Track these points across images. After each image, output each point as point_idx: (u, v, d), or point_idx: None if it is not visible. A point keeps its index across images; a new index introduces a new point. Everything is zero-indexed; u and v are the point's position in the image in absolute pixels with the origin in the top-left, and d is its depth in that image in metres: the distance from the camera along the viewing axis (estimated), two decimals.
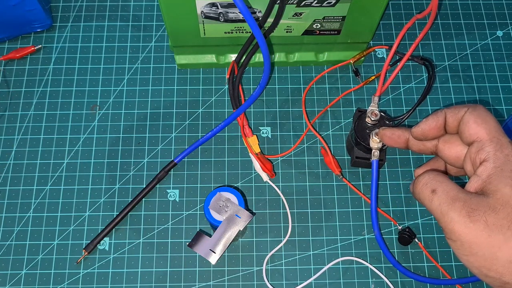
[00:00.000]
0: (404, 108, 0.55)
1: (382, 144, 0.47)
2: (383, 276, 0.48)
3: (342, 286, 0.48)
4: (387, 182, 0.52)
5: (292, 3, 0.46)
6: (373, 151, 0.47)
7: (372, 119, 0.48)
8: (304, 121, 0.54)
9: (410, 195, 0.52)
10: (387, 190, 0.52)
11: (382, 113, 0.48)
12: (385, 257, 0.49)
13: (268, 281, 0.48)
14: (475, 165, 0.33)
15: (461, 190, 0.32)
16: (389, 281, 0.48)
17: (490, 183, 0.31)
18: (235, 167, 0.52)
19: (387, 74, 0.54)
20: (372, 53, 0.58)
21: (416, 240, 0.49)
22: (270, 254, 0.49)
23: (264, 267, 0.48)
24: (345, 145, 0.54)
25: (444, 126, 0.36)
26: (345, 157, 0.53)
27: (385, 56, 0.58)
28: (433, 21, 0.44)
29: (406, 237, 0.49)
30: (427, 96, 0.55)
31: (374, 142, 0.46)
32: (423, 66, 0.56)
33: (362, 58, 0.56)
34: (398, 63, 0.49)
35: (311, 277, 0.48)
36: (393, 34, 0.59)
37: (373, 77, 0.56)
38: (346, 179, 0.52)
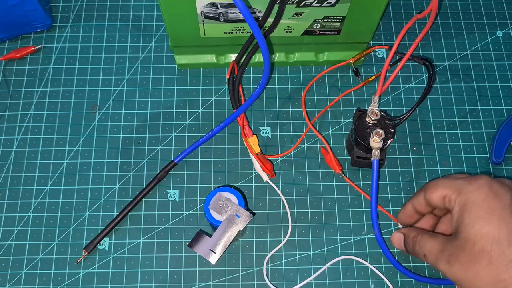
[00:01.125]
0: (404, 108, 0.55)
1: (383, 143, 0.47)
2: (383, 276, 0.48)
3: (342, 286, 0.48)
4: (387, 182, 0.52)
5: (292, 3, 0.46)
6: (373, 150, 0.47)
7: (373, 118, 0.48)
8: (304, 121, 0.54)
9: (410, 195, 0.52)
10: (387, 190, 0.52)
11: (382, 113, 0.48)
12: (385, 257, 0.49)
13: (270, 282, 0.48)
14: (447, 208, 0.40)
15: (441, 242, 0.39)
16: (389, 281, 0.48)
17: (458, 226, 0.37)
18: (235, 167, 0.52)
19: (387, 74, 0.54)
20: (372, 53, 0.58)
21: None
22: (270, 254, 0.49)
23: (264, 267, 0.48)
24: (345, 145, 0.54)
25: (419, 211, 0.43)
26: (345, 157, 0.53)
27: (385, 56, 0.58)
28: (433, 21, 0.44)
29: None
30: (427, 96, 0.55)
31: (375, 142, 0.47)
32: (423, 66, 0.56)
33: (362, 58, 0.56)
34: (398, 63, 0.49)
35: (311, 276, 0.48)
36: (393, 34, 0.59)
37: (373, 77, 0.56)
38: (347, 178, 0.52)
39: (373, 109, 0.48)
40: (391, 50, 0.47)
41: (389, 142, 0.48)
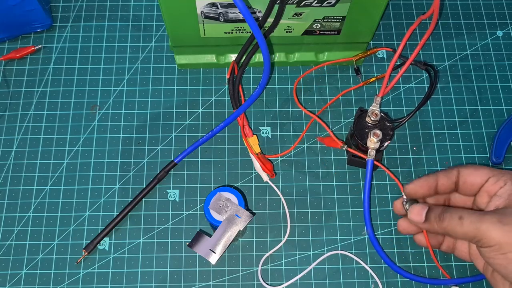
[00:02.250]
0: (404, 108, 0.55)
1: (380, 144, 0.47)
2: (374, 275, 0.48)
3: (342, 286, 0.48)
4: (387, 182, 0.52)
5: (292, 3, 0.46)
6: (369, 150, 0.47)
7: (372, 118, 0.48)
8: (304, 121, 0.54)
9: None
10: (387, 190, 0.52)
11: (382, 114, 0.48)
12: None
13: (264, 281, 0.48)
14: (491, 193, 0.40)
15: (479, 212, 0.38)
16: (390, 281, 0.48)
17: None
18: (235, 167, 0.52)
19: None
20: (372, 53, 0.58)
21: None
22: (267, 254, 0.49)
23: (260, 267, 0.48)
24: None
25: (436, 188, 0.43)
26: (345, 157, 0.53)
27: (385, 56, 0.58)
28: (435, 23, 0.44)
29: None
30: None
31: (371, 142, 0.47)
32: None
33: (362, 58, 0.56)
34: (399, 68, 0.49)
35: (298, 274, 0.48)
36: (393, 34, 0.59)
37: (373, 79, 0.56)
38: (350, 149, 0.50)
39: (374, 110, 0.48)
40: (396, 53, 0.47)
41: (386, 144, 0.48)
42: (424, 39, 0.45)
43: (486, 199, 0.41)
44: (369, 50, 0.56)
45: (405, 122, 0.52)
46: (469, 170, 0.42)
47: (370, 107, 0.48)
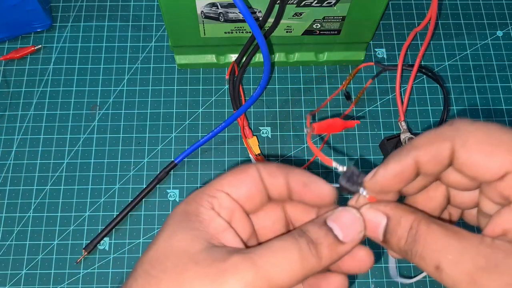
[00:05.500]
0: (417, 108, 0.55)
1: None
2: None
3: None
4: None
5: (292, 3, 0.46)
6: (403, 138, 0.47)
7: None
8: (304, 121, 0.54)
9: None
10: None
11: (414, 136, 0.47)
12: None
13: None
14: (507, 197, 0.23)
15: (467, 246, 0.22)
16: (389, 281, 0.48)
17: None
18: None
19: (371, 85, 0.53)
20: (372, 53, 0.58)
21: None
22: None
23: None
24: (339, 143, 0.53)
25: (414, 174, 0.26)
26: (345, 157, 0.53)
27: (385, 56, 0.58)
28: (433, 30, 0.44)
29: None
30: (419, 97, 0.55)
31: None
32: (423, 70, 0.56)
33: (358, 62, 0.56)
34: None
35: None
36: (393, 34, 0.59)
37: (360, 95, 0.54)
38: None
39: (407, 136, 0.47)
40: (397, 77, 0.46)
41: None
42: (423, 46, 0.45)
43: (496, 201, 0.24)
44: (353, 72, 0.54)
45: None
46: (473, 151, 0.23)
47: (401, 135, 0.47)
